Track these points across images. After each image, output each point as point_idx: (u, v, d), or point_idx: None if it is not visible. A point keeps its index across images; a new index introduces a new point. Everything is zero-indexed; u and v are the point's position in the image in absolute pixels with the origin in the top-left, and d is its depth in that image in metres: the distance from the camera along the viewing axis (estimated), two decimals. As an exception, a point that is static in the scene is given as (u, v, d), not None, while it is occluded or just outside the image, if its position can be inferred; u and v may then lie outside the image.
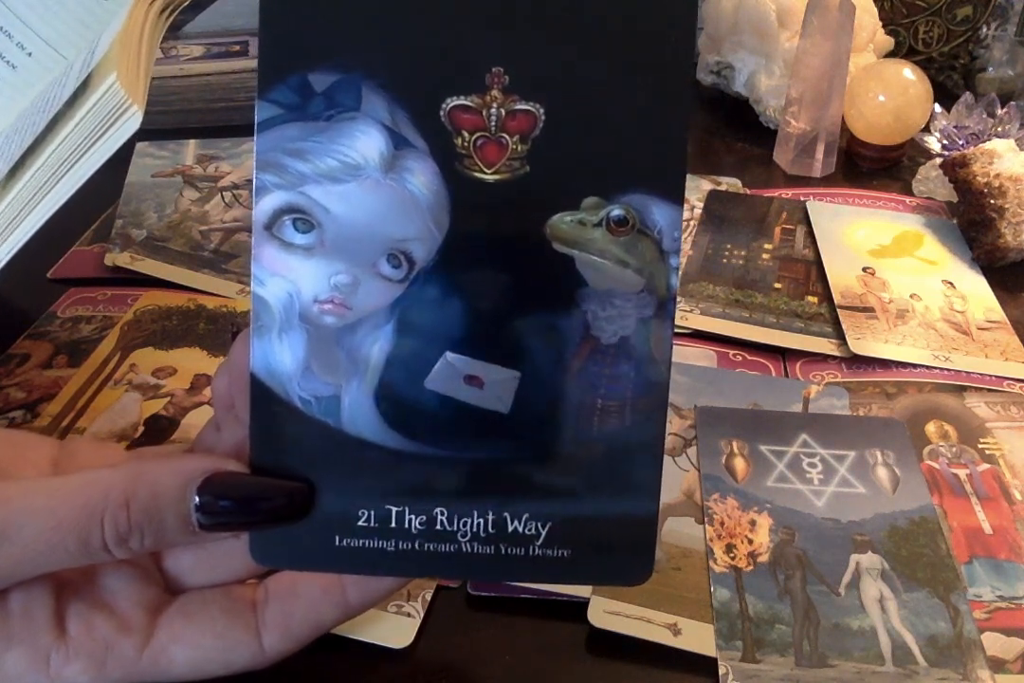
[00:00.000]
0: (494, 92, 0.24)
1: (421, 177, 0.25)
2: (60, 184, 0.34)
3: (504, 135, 0.25)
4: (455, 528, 0.26)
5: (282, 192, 0.25)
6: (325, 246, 0.25)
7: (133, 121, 0.32)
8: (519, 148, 0.25)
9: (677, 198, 0.25)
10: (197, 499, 0.25)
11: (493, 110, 0.25)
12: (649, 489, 0.27)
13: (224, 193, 0.60)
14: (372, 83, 0.24)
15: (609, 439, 0.26)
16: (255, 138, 0.25)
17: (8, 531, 0.24)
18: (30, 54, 0.41)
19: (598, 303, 0.26)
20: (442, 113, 0.25)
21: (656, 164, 0.25)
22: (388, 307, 0.26)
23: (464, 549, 0.27)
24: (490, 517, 0.26)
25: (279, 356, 0.26)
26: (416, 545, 0.27)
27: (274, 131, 0.25)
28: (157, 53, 0.37)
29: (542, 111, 0.25)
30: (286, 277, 0.25)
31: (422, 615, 0.35)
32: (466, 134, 0.25)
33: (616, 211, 0.25)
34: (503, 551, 0.27)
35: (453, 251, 0.25)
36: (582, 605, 0.36)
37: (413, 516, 0.26)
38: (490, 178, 0.25)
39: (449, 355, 0.26)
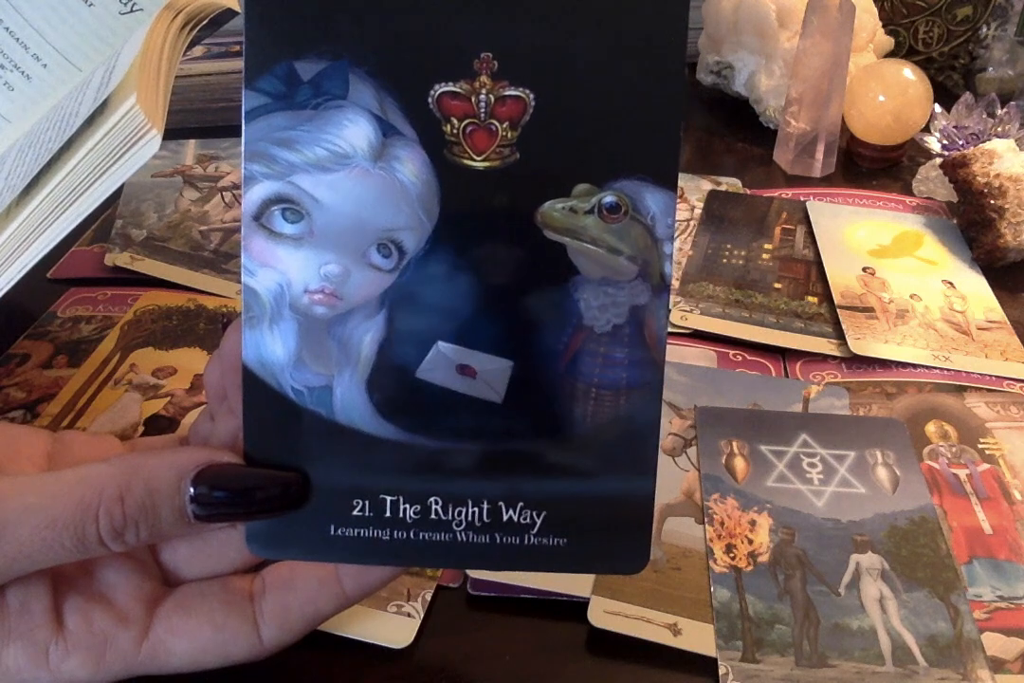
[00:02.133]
0: (483, 78, 0.24)
1: (410, 165, 0.25)
2: (74, 206, 0.34)
3: (494, 122, 0.24)
4: (450, 517, 0.27)
5: (270, 182, 0.25)
6: (314, 236, 0.25)
7: (152, 144, 0.32)
8: (509, 135, 0.25)
9: (670, 184, 0.25)
10: (192, 491, 0.26)
11: (482, 96, 0.24)
12: (643, 478, 0.27)
13: (224, 193, 0.60)
14: (359, 70, 0.24)
15: (604, 427, 0.26)
16: (243, 128, 0.25)
17: (3, 529, 0.25)
18: (45, 66, 0.41)
19: (591, 292, 0.26)
20: (430, 100, 0.24)
21: (649, 150, 0.25)
22: (379, 297, 0.26)
23: (459, 538, 0.27)
24: (485, 506, 0.27)
25: (270, 347, 0.26)
26: (411, 534, 0.27)
27: (262, 120, 0.25)
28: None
29: (532, 97, 0.24)
30: (276, 267, 0.25)
31: (422, 615, 0.35)
32: (455, 121, 0.24)
33: (608, 198, 0.25)
34: (498, 540, 0.27)
35: (444, 240, 0.25)
36: (582, 605, 0.36)
37: (408, 505, 0.26)
38: (480, 165, 0.25)
39: (441, 345, 0.26)
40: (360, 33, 0.24)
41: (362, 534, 0.27)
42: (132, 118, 0.32)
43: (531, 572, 0.36)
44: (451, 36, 0.24)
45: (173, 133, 0.65)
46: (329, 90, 0.24)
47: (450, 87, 0.24)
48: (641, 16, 0.24)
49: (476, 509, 0.27)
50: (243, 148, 0.25)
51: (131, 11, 0.41)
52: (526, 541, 0.27)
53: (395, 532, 0.27)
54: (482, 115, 0.24)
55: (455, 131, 0.25)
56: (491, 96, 0.24)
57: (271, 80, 0.24)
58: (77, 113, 0.35)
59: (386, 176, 0.25)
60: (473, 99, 0.24)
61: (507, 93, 0.24)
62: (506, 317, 0.26)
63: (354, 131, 0.25)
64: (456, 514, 0.27)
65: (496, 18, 0.24)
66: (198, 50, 0.72)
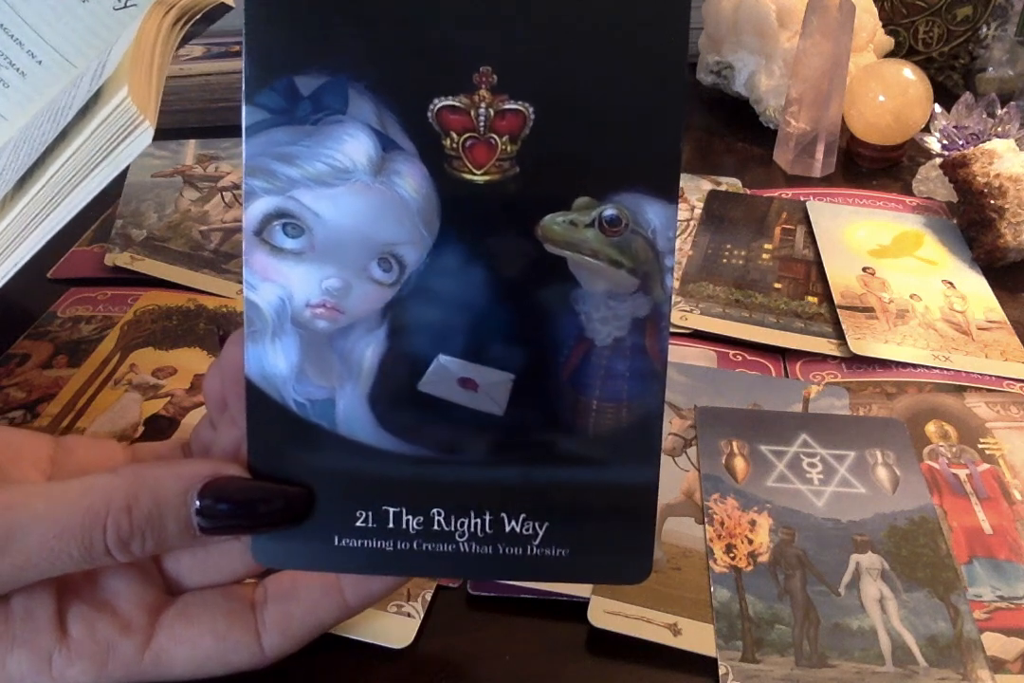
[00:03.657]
0: (482, 92, 0.24)
1: (410, 180, 0.25)
2: (68, 199, 0.33)
3: (493, 135, 0.24)
4: (452, 528, 0.27)
5: (271, 197, 0.25)
6: (315, 250, 0.25)
7: (144, 137, 0.32)
8: (509, 148, 0.24)
9: (671, 197, 0.25)
10: (198, 503, 0.26)
11: (482, 110, 0.24)
12: (645, 489, 0.27)
13: (224, 193, 0.60)
14: (359, 85, 0.24)
15: (605, 439, 0.26)
16: (243, 143, 0.25)
17: (11, 539, 0.25)
18: (40, 62, 0.41)
19: (592, 305, 0.25)
20: (430, 114, 0.24)
21: (650, 162, 0.25)
22: (380, 310, 0.26)
23: (462, 549, 0.27)
24: (487, 517, 0.27)
25: (273, 360, 0.26)
26: (414, 545, 0.27)
27: (262, 135, 0.25)
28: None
29: (532, 110, 0.24)
30: (277, 282, 0.25)
31: (422, 615, 0.35)
32: (455, 135, 0.24)
33: (609, 211, 0.25)
34: (501, 551, 0.27)
35: (444, 254, 0.25)
36: (582, 605, 0.36)
37: (410, 516, 0.27)
38: (480, 179, 0.25)
39: (442, 358, 0.26)
40: (359, 48, 0.24)
41: (366, 545, 0.27)
42: (124, 111, 0.32)
43: (534, 582, 0.36)
44: (450, 50, 0.24)
45: (173, 133, 0.66)
46: (329, 105, 0.24)
47: (449, 101, 0.24)
48: (641, 27, 0.24)
49: (478, 520, 0.27)
50: (243, 163, 0.25)
51: (125, 7, 0.41)
52: (528, 552, 0.27)
53: (398, 543, 0.27)
54: (482, 129, 0.24)
55: (455, 145, 0.24)
56: (490, 110, 0.24)
57: (271, 95, 0.24)
58: (71, 106, 0.35)
59: (386, 190, 0.25)
60: (472, 113, 0.24)
61: (506, 107, 0.24)
62: (507, 330, 0.26)
63: (354, 146, 0.25)
64: (459, 525, 0.27)
65: (495, 32, 0.24)
66: (198, 50, 0.72)
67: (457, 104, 0.24)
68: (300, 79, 0.24)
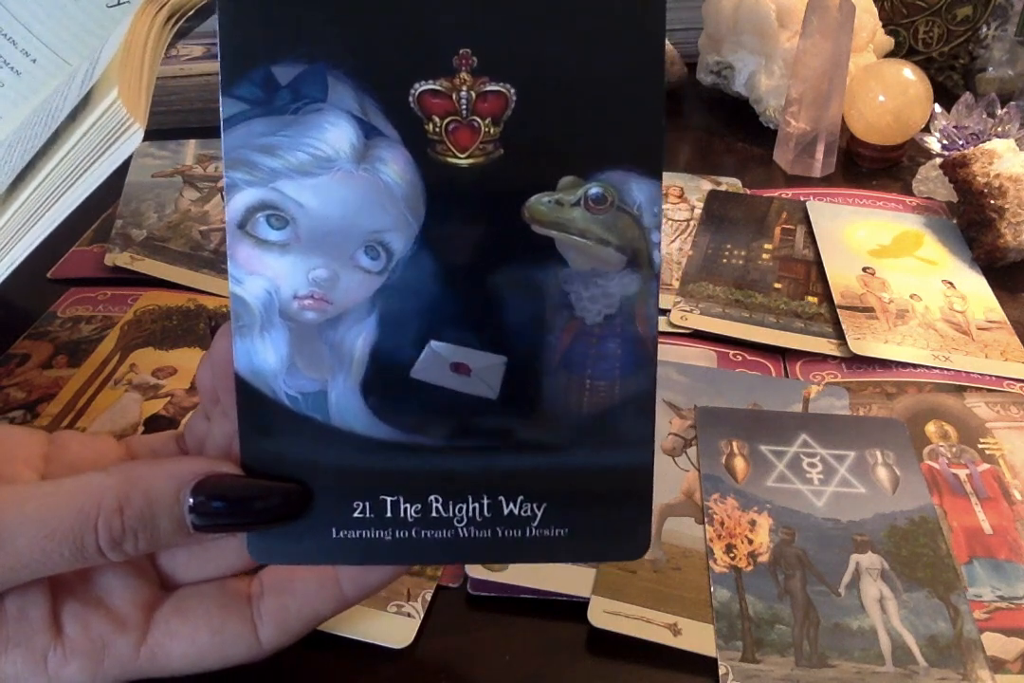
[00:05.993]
0: (463, 74, 0.24)
1: (394, 166, 0.25)
2: (61, 201, 0.33)
3: (476, 118, 0.24)
4: (451, 514, 0.27)
5: (253, 189, 0.25)
6: (300, 241, 0.25)
7: (135, 139, 0.32)
8: (492, 131, 0.24)
9: (655, 173, 0.25)
10: (191, 501, 0.26)
11: (463, 93, 0.24)
12: (641, 466, 0.27)
13: (224, 193, 0.60)
14: (337, 72, 0.24)
15: (599, 417, 0.26)
16: (222, 135, 0.24)
17: (1, 540, 0.24)
18: (35, 61, 0.41)
19: (581, 283, 0.26)
20: (411, 99, 0.24)
21: (632, 139, 0.25)
22: (369, 299, 0.26)
23: (461, 534, 0.27)
24: (485, 501, 0.27)
25: (262, 355, 0.26)
26: (413, 533, 0.27)
27: (241, 127, 0.25)
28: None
29: (513, 92, 0.24)
30: (263, 275, 0.25)
31: (422, 615, 0.35)
32: (437, 119, 0.24)
33: (594, 189, 0.25)
34: (500, 534, 0.27)
35: (431, 239, 0.25)
36: (582, 605, 0.36)
37: (408, 505, 0.27)
38: (464, 163, 0.25)
39: (434, 344, 0.26)
40: (337, 34, 0.24)
41: (364, 535, 0.27)
42: (114, 113, 0.32)
43: (534, 564, 0.36)
44: (429, 34, 0.24)
45: (173, 133, 0.66)
46: (308, 93, 0.24)
47: (430, 85, 0.24)
48: (618, 6, 0.24)
49: (476, 505, 0.27)
50: (223, 156, 0.25)
51: (118, 4, 0.41)
52: (528, 533, 0.27)
53: (397, 531, 0.27)
54: (464, 112, 0.24)
55: (437, 129, 0.24)
56: (472, 92, 0.24)
57: (248, 86, 0.24)
58: (62, 108, 0.35)
59: (370, 178, 0.25)
60: (454, 96, 0.24)
61: (488, 89, 0.24)
62: (497, 313, 0.26)
63: (335, 134, 0.24)
64: (457, 511, 0.27)
65: (474, 14, 0.24)
66: (198, 50, 0.72)
67: (438, 88, 0.24)
68: (278, 68, 0.24)
